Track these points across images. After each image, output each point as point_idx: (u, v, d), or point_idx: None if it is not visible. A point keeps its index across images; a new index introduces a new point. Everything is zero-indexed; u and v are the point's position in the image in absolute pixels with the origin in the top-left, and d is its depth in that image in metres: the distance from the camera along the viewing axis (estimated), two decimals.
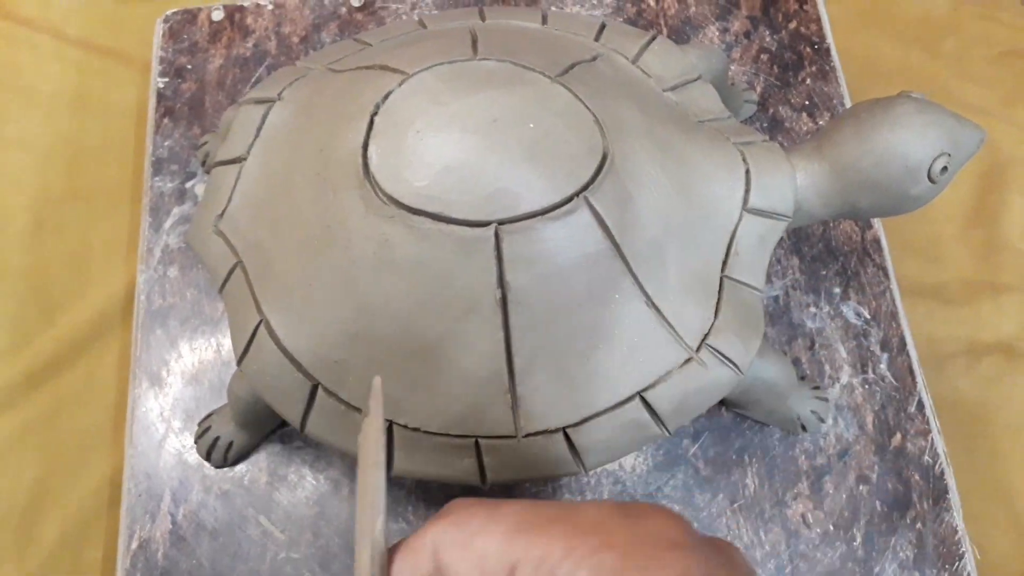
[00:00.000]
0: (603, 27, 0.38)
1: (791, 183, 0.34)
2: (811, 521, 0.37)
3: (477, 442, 0.32)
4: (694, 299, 0.33)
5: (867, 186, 0.33)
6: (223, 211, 0.35)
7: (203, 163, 0.41)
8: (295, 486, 0.38)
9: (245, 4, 0.47)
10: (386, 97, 0.31)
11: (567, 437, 0.32)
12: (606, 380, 0.32)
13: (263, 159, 0.35)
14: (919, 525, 0.37)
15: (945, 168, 0.33)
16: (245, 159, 0.35)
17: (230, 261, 0.34)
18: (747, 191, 0.34)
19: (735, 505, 0.37)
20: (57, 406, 0.48)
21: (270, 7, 0.47)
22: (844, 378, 0.40)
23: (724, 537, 0.37)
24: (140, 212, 0.46)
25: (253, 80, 0.45)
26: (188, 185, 0.43)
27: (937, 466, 0.38)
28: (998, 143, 0.57)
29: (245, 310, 0.33)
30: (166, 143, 0.44)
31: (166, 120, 0.45)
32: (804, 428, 0.38)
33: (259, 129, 0.36)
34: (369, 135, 0.31)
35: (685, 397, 0.32)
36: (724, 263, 0.34)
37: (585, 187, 0.30)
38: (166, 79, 0.46)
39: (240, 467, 0.38)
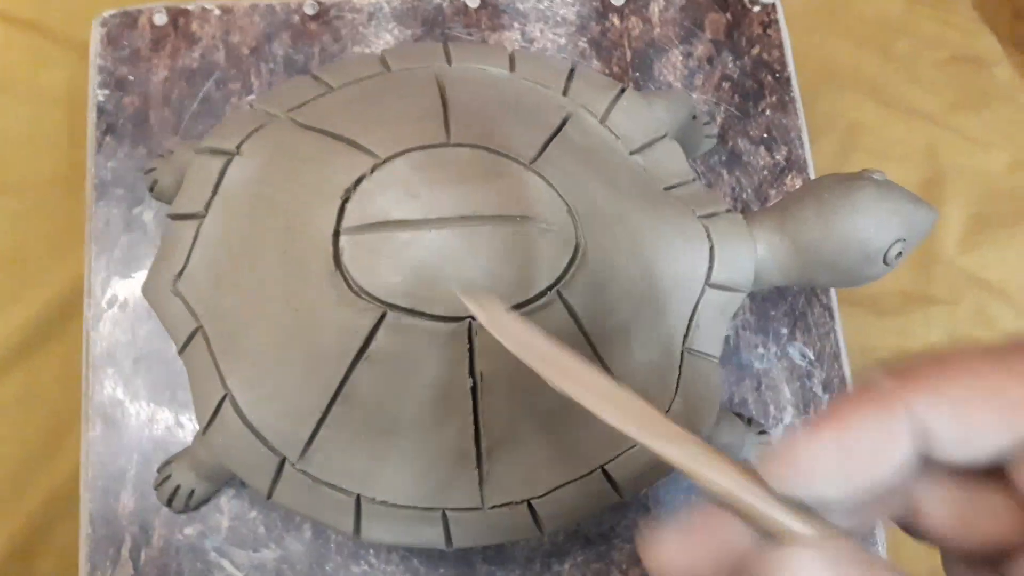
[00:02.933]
0: (572, 73, 0.38)
1: (752, 257, 0.35)
2: None
3: (444, 513, 0.33)
4: (657, 377, 0.34)
5: (825, 266, 0.34)
6: (181, 270, 0.34)
7: (151, 189, 0.40)
8: (257, 528, 0.39)
9: (189, 7, 0.44)
10: (357, 183, 0.30)
11: (531, 507, 0.33)
12: (571, 455, 0.33)
13: (223, 222, 0.34)
14: None
15: (900, 253, 0.34)
16: (204, 216, 0.34)
17: (190, 325, 0.34)
18: (711, 267, 0.34)
19: None
20: None
21: (217, 12, 0.44)
22: (787, 419, 0.42)
23: None
24: (81, 206, 0.44)
25: (200, 96, 0.43)
26: (135, 211, 0.42)
27: None
28: (940, 152, 0.58)
29: (208, 380, 0.33)
30: (109, 164, 0.42)
31: (108, 138, 0.42)
32: None
33: (217, 185, 0.34)
34: (340, 224, 0.30)
35: (644, 469, 0.34)
36: (685, 337, 0.35)
37: (558, 281, 0.30)
38: (106, 91, 0.43)
39: (202, 509, 0.39)
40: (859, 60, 0.60)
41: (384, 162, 0.30)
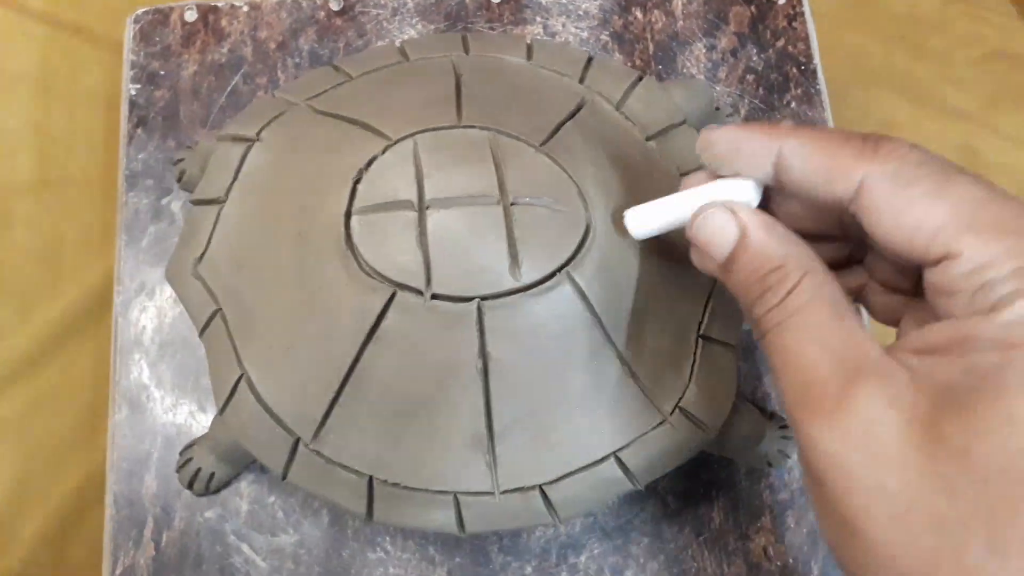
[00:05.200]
0: (589, 62, 0.38)
1: None
2: (772, 554, 0.39)
3: (456, 497, 0.33)
4: (671, 362, 0.33)
5: None
6: (202, 254, 0.35)
7: (179, 180, 0.40)
8: (276, 513, 0.39)
9: (219, 4, 0.45)
10: (369, 164, 0.31)
11: (543, 493, 0.33)
12: (583, 441, 0.33)
13: (242, 205, 0.34)
14: None
15: None
16: (223, 202, 0.35)
17: (210, 307, 0.34)
18: None
19: (701, 538, 0.39)
20: (34, 404, 0.48)
21: (245, 8, 0.45)
22: None
23: (688, 570, 0.39)
24: (114, 201, 0.45)
25: (228, 90, 0.44)
26: (164, 202, 0.43)
27: None
28: (977, 150, 0.57)
29: (226, 360, 0.34)
30: (140, 156, 0.43)
31: (139, 131, 0.44)
32: (770, 464, 0.39)
33: (237, 171, 0.35)
34: (351, 204, 0.30)
35: (658, 456, 0.33)
36: (700, 323, 0.34)
37: (568, 262, 0.30)
38: (138, 86, 0.44)
39: (223, 493, 0.39)
40: (890, 58, 0.59)
41: (395, 143, 0.31)
